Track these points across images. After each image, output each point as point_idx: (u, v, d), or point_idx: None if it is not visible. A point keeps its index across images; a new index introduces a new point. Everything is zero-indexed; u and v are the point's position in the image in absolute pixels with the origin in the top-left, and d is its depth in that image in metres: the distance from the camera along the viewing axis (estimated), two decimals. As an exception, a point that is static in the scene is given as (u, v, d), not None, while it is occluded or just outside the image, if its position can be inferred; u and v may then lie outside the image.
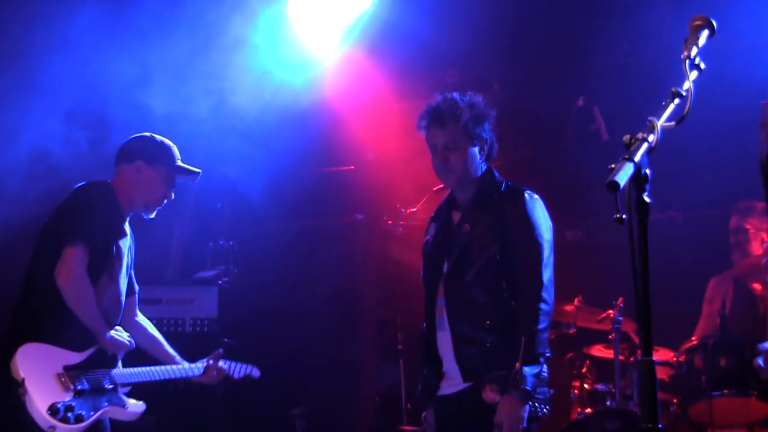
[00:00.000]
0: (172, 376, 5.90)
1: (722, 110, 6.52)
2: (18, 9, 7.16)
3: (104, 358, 5.54)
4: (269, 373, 8.09)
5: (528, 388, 4.55)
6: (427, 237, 5.22)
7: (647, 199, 2.55)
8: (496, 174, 5.08)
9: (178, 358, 5.98)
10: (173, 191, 5.83)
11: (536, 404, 4.66)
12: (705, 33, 2.99)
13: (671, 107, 2.72)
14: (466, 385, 4.82)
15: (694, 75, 2.84)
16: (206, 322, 7.62)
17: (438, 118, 4.98)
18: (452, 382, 4.91)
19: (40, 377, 5.24)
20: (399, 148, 7.93)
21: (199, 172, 5.92)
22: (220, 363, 6.04)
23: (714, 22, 3.00)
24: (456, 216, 5.10)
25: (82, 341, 5.47)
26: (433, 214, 5.32)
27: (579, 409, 7.18)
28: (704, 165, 7.54)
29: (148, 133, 5.84)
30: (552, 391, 4.86)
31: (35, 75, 7.03)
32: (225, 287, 7.83)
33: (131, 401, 5.65)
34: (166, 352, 5.99)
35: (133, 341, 5.62)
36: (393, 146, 8.20)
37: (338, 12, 8.00)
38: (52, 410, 5.16)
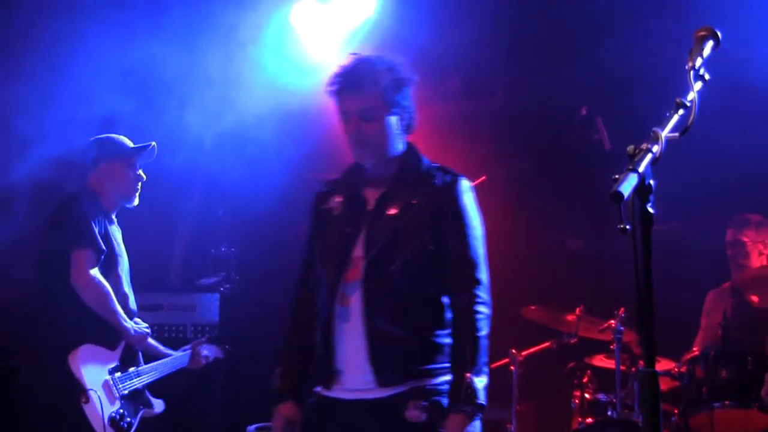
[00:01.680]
0: (180, 365, 6.23)
1: (727, 121, 6.51)
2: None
3: (130, 354, 5.82)
4: (269, 380, 8.10)
5: (482, 402, 4.03)
6: (331, 208, 4.50)
7: (651, 210, 2.54)
8: (420, 153, 4.49)
9: (162, 347, 6.23)
10: (142, 172, 6.06)
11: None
12: (710, 43, 2.97)
13: (675, 118, 2.70)
14: (379, 394, 4.17)
15: (698, 86, 2.82)
16: (207, 328, 7.63)
17: (353, 83, 4.30)
18: (355, 387, 4.22)
19: (99, 388, 5.45)
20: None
21: (153, 145, 6.12)
22: (204, 351, 6.41)
23: (719, 33, 2.99)
24: (370, 193, 4.41)
25: (112, 337, 5.70)
26: (330, 186, 4.63)
27: (580, 419, 7.16)
28: (707, 175, 7.53)
29: (92, 137, 6.11)
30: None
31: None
32: (226, 294, 7.84)
33: (155, 400, 5.95)
34: (152, 344, 6.17)
35: (149, 329, 5.89)
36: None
37: (341, 20, 8.02)
38: (112, 421, 5.45)
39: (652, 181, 2.54)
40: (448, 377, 4.19)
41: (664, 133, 2.64)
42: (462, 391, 4.03)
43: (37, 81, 7.08)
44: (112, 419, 5.41)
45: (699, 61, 2.90)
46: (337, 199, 4.50)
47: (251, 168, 7.71)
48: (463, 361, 4.10)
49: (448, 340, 4.26)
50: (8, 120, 7.14)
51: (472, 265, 4.25)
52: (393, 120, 4.34)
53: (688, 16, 6.90)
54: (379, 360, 4.18)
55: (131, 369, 5.72)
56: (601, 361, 7.50)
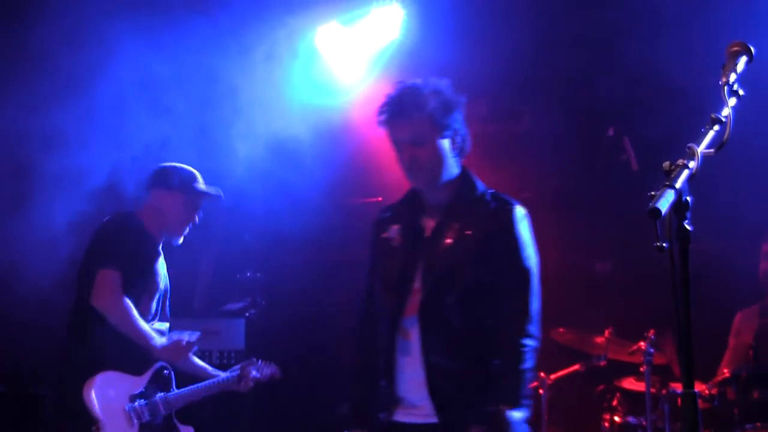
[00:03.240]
0: (216, 390, 6.05)
1: (758, 138, 6.45)
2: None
3: (161, 380, 5.73)
4: (297, 406, 8.08)
5: None
6: (391, 238, 4.53)
7: (688, 227, 2.51)
8: (475, 177, 4.50)
9: (210, 368, 6.12)
10: (198, 216, 5.88)
11: None
12: (743, 59, 2.94)
13: (711, 134, 2.67)
14: (436, 419, 4.23)
15: (732, 101, 2.79)
16: (233, 354, 7.60)
17: (400, 110, 4.33)
18: (414, 412, 4.28)
19: (113, 416, 5.38)
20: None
21: (219, 194, 6.00)
22: (254, 371, 6.20)
23: (752, 48, 2.96)
24: (428, 222, 4.45)
25: (140, 363, 5.60)
26: (389, 212, 4.66)
27: (610, 443, 7.12)
28: (737, 195, 7.47)
29: (169, 163, 5.95)
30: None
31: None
32: (252, 319, 7.82)
33: (184, 427, 5.84)
34: (199, 365, 6.12)
35: (193, 336, 5.78)
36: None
37: (367, 42, 8.04)
38: None
39: (689, 198, 2.51)
40: None
41: (701, 148, 2.60)
42: (496, 424, 4.04)
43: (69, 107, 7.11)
44: None
45: (733, 77, 2.87)
46: (396, 228, 4.53)
47: (277, 192, 7.70)
48: (501, 392, 4.11)
49: None
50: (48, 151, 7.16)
51: (522, 296, 4.26)
52: (445, 143, 4.36)
53: (715, 36, 6.85)
54: (437, 394, 4.23)
55: (158, 395, 5.63)
56: (630, 383, 7.43)
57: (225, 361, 7.57)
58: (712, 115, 2.71)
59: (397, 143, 4.40)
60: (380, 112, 4.41)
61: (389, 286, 4.44)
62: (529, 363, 4.15)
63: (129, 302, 5.46)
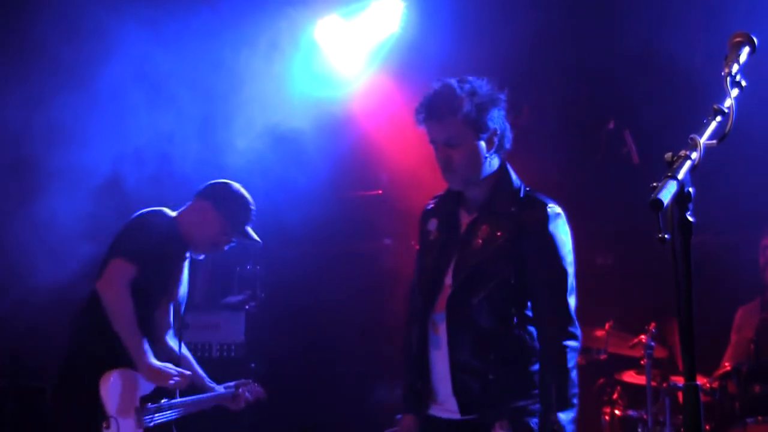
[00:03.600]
0: (212, 404, 6.00)
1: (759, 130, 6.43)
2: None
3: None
4: (296, 399, 8.07)
5: None
6: (429, 231, 4.58)
7: (691, 219, 2.49)
8: (513, 174, 4.49)
9: (207, 379, 6.06)
10: (228, 247, 5.84)
11: None
12: (746, 50, 2.92)
13: (713, 125, 2.65)
14: (464, 417, 4.29)
15: (735, 92, 2.77)
16: (233, 347, 7.60)
17: (435, 112, 4.32)
18: (444, 408, 4.36)
19: (124, 414, 5.34)
20: (431, 171, 7.90)
21: (259, 242, 5.93)
22: (247, 393, 6.13)
23: (755, 39, 2.93)
24: (464, 218, 4.48)
25: None
26: (432, 205, 4.68)
27: (611, 436, 7.12)
28: (738, 186, 7.45)
29: (237, 184, 5.87)
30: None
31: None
32: (252, 312, 7.80)
33: None
34: (199, 374, 6.03)
35: (183, 378, 5.58)
36: (423, 169, 8.16)
37: (366, 35, 8.03)
38: None
39: (691, 189, 2.49)
40: (534, 401, 4.23)
41: (703, 139, 2.58)
42: (548, 427, 4.07)
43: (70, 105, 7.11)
44: None
45: (735, 68, 2.85)
46: (434, 221, 4.57)
47: (277, 184, 7.69)
48: (550, 395, 4.11)
49: (534, 369, 4.29)
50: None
51: (560, 297, 4.25)
52: (481, 144, 4.35)
53: (715, 28, 6.83)
54: (461, 392, 4.28)
55: (163, 400, 5.57)
56: (631, 377, 7.43)
57: (225, 354, 7.56)
58: (715, 106, 2.69)
59: (433, 143, 4.40)
60: (417, 112, 4.40)
61: (423, 280, 4.50)
62: (572, 362, 4.17)
63: (128, 299, 5.33)
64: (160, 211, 5.70)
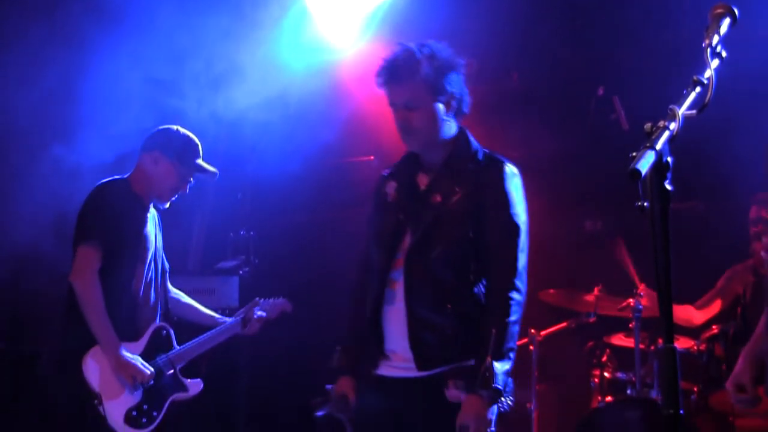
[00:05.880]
0: (221, 340, 6.05)
1: (745, 99, 6.47)
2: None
3: (160, 340, 5.72)
4: (289, 362, 8.14)
5: (499, 386, 4.07)
6: (387, 193, 4.60)
7: (669, 187, 2.54)
8: (471, 138, 4.55)
9: (217, 315, 6.17)
10: (189, 186, 5.87)
11: (503, 399, 4.17)
12: (727, 21, 2.95)
13: (692, 96, 2.68)
14: (420, 374, 4.30)
15: (715, 63, 2.81)
16: (227, 312, 7.64)
17: (394, 74, 4.40)
18: (399, 366, 4.37)
19: (111, 385, 5.39)
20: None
21: (215, 173, 5.96)
22: (258, 312, 6.22)
23: (736, 11, 2.98)
24: (422, 179, 4.54)
25: (137, 328, 5.61)
26: (391, 169, 4.75)
27: (599, 398, 7.19)
28: (727, 154, 7.49)
29: (175, 126, 5.91)
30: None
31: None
32: (246, 277, 7.85)
33: (189, 381, 5.82)
34: (205, 313, 6.19)
35: (147, 376, 5.54)
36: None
37: (358, 3, 8.02)
38: (128, 418, 5.38)
39: (669, 159, 2.54)
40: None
41: (682, 110, 2.62)
42: (480, 374, 4.07)
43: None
44: (129, 416, 5.39)
45: (716, 39, 2.88)
46: (393, 184, 4.61)
47: (270, 152, 7.73)
48: (488, 344, 4.11)
49: None
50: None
51: (510, 251, 4.31)
52: (439, 107, 4.42)
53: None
54: (418, 345, 4.30)
55: (159, 356, 5.63)
56: (620, 339, 7.51)
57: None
58: (694, 77, 2.72)
59: (393, 105, 4.46)
60: (377, 74, 4.46)
61: (381, 240, 4.54)
62: (514, 315, 4.21)
63: (96, 286, 5.38)
64: (111, 179, 5.74)
